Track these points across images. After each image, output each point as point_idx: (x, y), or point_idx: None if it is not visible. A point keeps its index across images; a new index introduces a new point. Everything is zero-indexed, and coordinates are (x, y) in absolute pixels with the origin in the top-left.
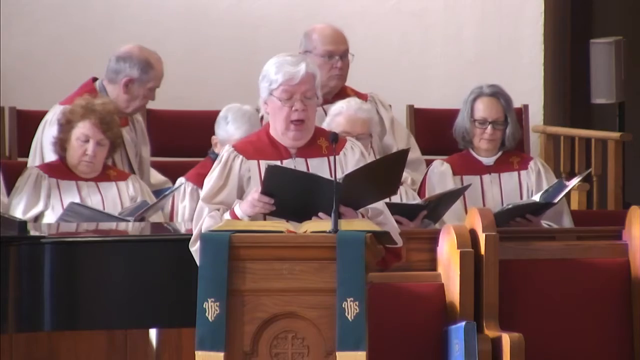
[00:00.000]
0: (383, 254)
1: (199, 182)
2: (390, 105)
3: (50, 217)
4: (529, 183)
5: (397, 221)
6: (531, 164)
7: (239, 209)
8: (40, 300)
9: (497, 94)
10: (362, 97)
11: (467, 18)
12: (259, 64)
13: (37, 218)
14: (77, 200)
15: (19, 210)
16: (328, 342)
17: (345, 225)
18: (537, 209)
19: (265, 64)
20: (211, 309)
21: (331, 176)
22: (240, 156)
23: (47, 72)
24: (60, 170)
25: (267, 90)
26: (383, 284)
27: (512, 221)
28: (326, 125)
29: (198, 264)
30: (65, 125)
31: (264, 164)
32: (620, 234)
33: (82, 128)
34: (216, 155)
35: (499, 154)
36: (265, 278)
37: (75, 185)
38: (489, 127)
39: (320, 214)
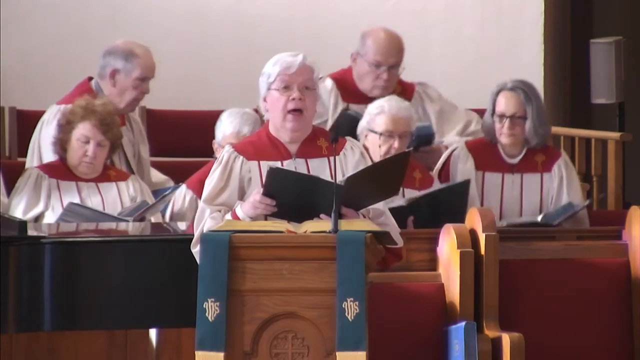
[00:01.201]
0: (383, 254)
1: (199, 192)
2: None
3: (50, 218)
4: (551, 188)
5: None
6: (555, 167)
7: (241, 210)
8: (40, 300)
9: (517, 88)
10: (409, 87)
11: (467, 18)
12: (259, 64)
13: (37, 218)
14: (77, 200)
15: (19, 211)
16: (328, 342)
17: (346, 225)
18: (538, 227)
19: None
20: (211, 309)
21: (331, 177)
22: (241, 157)
23: (47, 73)
24: (61, 170)
25: (266, 85)
26: (383, 284)
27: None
28: (365, 123)
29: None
30: (66, 126)
31: (264, 164)
32: (620, 234)
33: (82, 129)
34: None
35: (524, 152)
36: (265, 278)
37: (75, 186)
38: (507, 121)
39: (321, 215)
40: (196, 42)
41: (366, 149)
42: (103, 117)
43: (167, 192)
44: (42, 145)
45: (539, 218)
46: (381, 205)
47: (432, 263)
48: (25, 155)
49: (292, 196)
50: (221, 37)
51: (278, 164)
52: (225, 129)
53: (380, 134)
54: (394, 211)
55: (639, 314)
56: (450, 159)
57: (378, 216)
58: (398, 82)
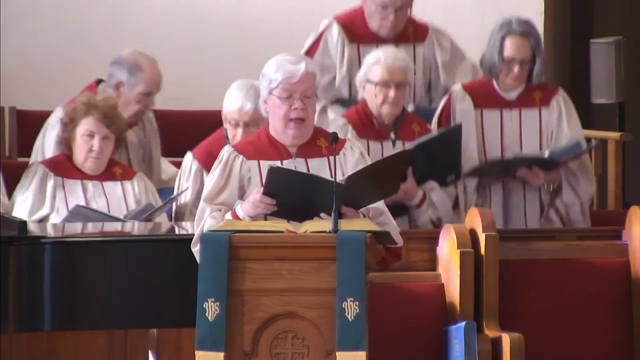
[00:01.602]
0: (383, 254)
1: (205, 163)
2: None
3: (55, 220)
4: (549, 122)
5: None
6: (553, 102)
7: (241, 209)
8: (40, 300)
9: (527, 34)
10: (422, 29)
11: (467, 18)
12: (258, 66)
13: (41, 220)
14: (82, 203)
15: (23, 210)
16: (328, 342)
17: (346, 225)
18: (544, 164)
19: (266, 64)
20: (211, 309)
21: (331, 176)
22: (241, 156)
23: (47, 73)
24: (66, 167)
25: (267, 89)
26: (383, 284)
27: (518, 171)
28: (362, 74)
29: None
30: (69, 124)
31: (264, 164)
32: (620, 234)
33: (86, 124)
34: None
35: (522, 88)
36: (265, 278)
37: (80, 186)
38: (517, 66)
39: (321, 214)
40: (195, 46)
41: (364, 101)
42: (106, 111)
43: (172, 196)
44: (46, 147)
45: (546, 154)
46: (381, 205)
47: (432, 263)
48: (25, 156)
49: (292, 195)
50: (220, 40)
51: (278, 164)
52: (229, 104)
53: (376, 84)
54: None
55: (639, 314)
56: (449, 103)
57: (378, 215)
58: (411, 22)
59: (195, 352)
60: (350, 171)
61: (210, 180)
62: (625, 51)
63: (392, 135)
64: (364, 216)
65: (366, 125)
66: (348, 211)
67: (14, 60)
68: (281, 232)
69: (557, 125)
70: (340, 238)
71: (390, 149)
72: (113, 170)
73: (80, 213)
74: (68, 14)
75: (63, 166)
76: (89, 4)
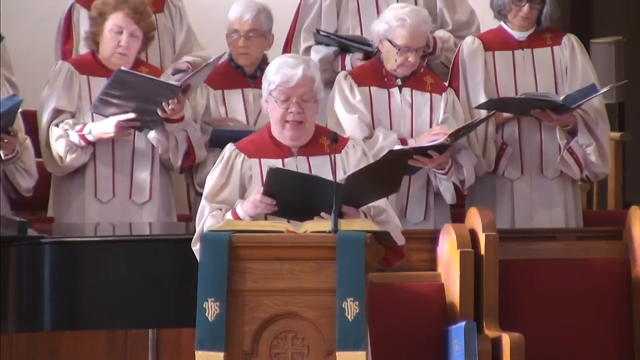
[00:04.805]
0: (383, 254)
1: (209, 81)
2: None
3: (81, 119)
4: (562, 58)
5: (429, 155)
6: (564, 39)
7: (241, 209)
8: (40, 300)
9: None
10: None
11: None
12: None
13: (73, 116)
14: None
15: (49, 107)
16: (328, 342)
17: (346, 225)
18: (556, 108)
19: (269, 64)
20: (211, 308)
21: (333, 175)
22: (242, 155)
23: (47, 73)
24: (91, 65)
25: (267, 90)
26: (383, 284)
27: (532, 110)
28: (383, 31)
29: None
30: (98, 19)
31: (265, 162)
32: (620, 234)
33: (114, 19)
34: (232, 57)
35: (532, 29)
36: (265, 278)
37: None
38: (526, 6)
39: (322, 214)
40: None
41: (379, 51)
42: (136, 7)
43: (211, 61)
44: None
45: (561, 99)
46: (382, 203)
47: (432, 263)
48: None
49: (292, 195)
50: (221, 38)
51: (279, 162)
52: (230, 15)
53: (399, 49)
54: (437, 148)
55: (639, 314)
56: (458, 52)
57: (379, 214)
58: None
59: (195, 352)
60: (352, 170)
61: (212, 178)
62: (625, 51)
63: (399, 82)
64: (365, 215)
65: (370, 75)
66: (349, 210)
67: (14, 59)
68: (281, 232)
69: (570, 60)
70: (340, 238)
71: (397, 94)
72: (140, 69)
73: (122, 80)
74: None
75: (88, 63)
76: None
